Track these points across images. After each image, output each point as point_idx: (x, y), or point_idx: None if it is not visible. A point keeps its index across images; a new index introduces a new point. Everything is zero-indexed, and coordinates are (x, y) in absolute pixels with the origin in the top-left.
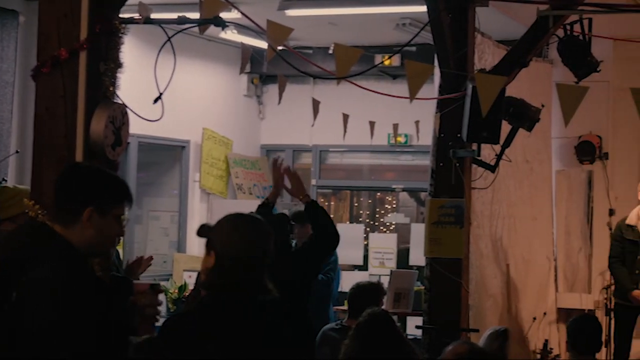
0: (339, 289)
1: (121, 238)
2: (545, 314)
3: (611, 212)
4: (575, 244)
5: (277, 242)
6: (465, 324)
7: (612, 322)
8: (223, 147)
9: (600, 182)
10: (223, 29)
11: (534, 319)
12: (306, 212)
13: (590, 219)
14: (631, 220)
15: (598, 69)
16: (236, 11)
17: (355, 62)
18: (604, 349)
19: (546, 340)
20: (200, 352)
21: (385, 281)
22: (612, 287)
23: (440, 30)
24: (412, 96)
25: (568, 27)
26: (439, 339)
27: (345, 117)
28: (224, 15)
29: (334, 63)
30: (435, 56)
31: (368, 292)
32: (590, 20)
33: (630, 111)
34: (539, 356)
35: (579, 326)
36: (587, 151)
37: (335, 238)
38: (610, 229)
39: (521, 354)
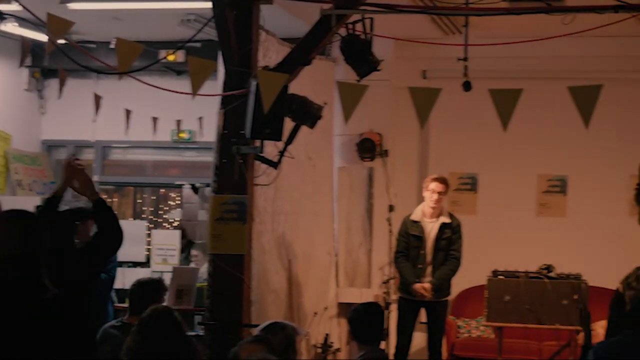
0: (122, 287)
1: None
2: (326, 308)
3: (391, 208)
4: (355, 240)
5: (60, 239)
6: (247, 319)
7: (392, 315)
8: (2, 143)
9: (380, 179)
10: (2, 21)
11: (315, 313)
12: (94, 210)
13: (370, 215)
14: (416, 216)
15: (379, 68)
16: (16, 3)
17: (137, 57)
18: (383, 343)
19: (327, 335)
20: None
21: (168, 278)
22: (394, 281)
23: (225, 26)
24: (195, 92)
25: (350, 26)
26: (221, 336)
27: (128, 113)
28: (3, 7)
29: (117, 58)
30: (220, 53)
31: (149, 289)
32: (371, 20)
33: (410, 110)
34: (319, 350)
35: (361, 315)
36: (368, 148)
37: (121, 237)
38: (390, 224)
39: (303, 348)
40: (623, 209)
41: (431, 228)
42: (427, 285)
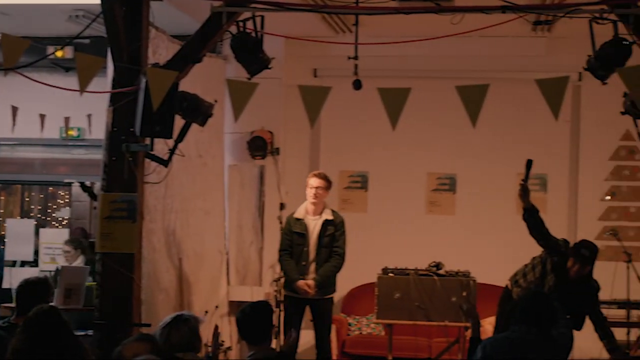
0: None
1: None
2: (217, 307)
3: (282, 206)
4: (247, 238)
5: None
6: (137, 318)
7: (283, 314)
8: None
9: (271, 177)
10: None
11: (206, 312)
12: None
13: (261, 213)
14: (299, 214)
15: (270, 66)
16: None
17: (23, 53)
18: (274, 341)
19: (218, 332)
20: None
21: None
22: (282, 280)
23: (114, 23)
24: (83, 89)
25: (241, 24)
26: (110, 335)
27: (15, 110)
28: None
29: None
30: (109, 49)
31: (36, 288)
32: (262, 17)
33: (301, 108)
34: (210, 349)
35: (249, 315)
36: (259, 146)
37: None
38: (281, 222)
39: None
40: (511, 206)
41: (314, 225)
42: (310, 282)
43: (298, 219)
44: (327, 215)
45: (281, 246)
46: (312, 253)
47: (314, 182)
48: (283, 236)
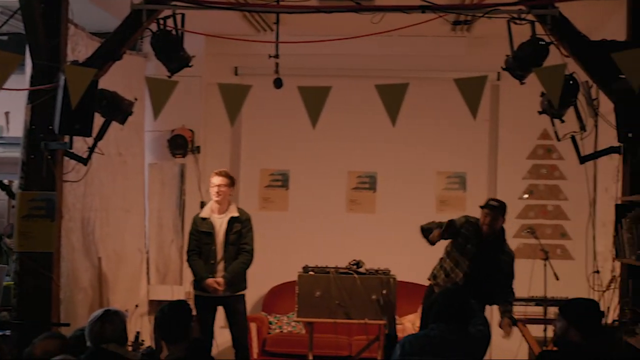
0: None
1: None
2: (137, 306)
3: (202, 205)
4: (167, 236)
5: None
6: (56, 318)
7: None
8: None
9: (192, 176)
10: None
11: (126, 311)
12: None
13: (182, 212)
14: (205, 213)
15: (190, 64)
16: None
17: None
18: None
19: (138, 332)
20: None
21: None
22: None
23: (32, 19)
24: (0, 86)
25: (161, 21)
26: (29, 335)
27: None
28: None
29: None
30: (27, 46)
31: None
32: (183, 15)
33: (221, 106)
34: (130, 348)
35: (166, 314)
36: (180, 145)
37: None
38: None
39: None
40: (430, 205)
41: (220, 223)
42: (219, 279)
43: (204, 218)
44: (233, 213)
45: (189, 247)
46: (220, 251)
47: (216, 180)
48: (190, 237)
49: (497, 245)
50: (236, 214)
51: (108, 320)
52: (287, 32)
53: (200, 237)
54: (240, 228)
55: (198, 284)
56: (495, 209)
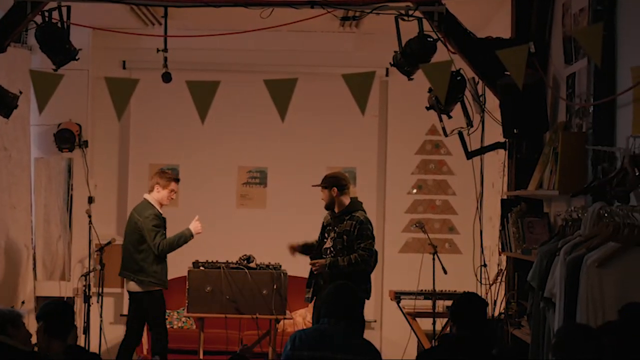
0: None
1: None
2: (23, 302)
3: (90, 200)
4: (54, 232)
5: None
6: None
7: (93, 308)
8: None
9: (80, 170)
10: None
11: (12, 307)
12: None
13: (70, 207)
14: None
15: (77, 57)
16: None
17: None
18: (83, 335)
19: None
20: None
21: None
22: (94, 274)
23: None
24: None
25: (47, 13)
26: None
27: None
28: None
29: None
30: None
31: None
32: (68, 7)
33: (108, 100)
34: None
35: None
36: (67, 139)
37: None
38: (90, 216)
39: None
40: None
41: None
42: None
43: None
44: None
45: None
46: None
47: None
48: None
49: (348, 216)
50: None
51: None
52: (176, 25)
53: None
54: None
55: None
56: (323, 181)
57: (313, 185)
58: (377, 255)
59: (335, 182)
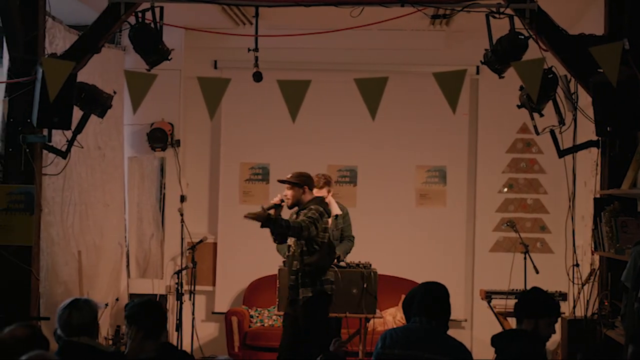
0: None
1: None
2: (117, 299)
3: (182, 199)
4: (147, 230)
5: None
6: (35, 312)
7: (185, 306)
8: None
9: (172, 169)
10: None
11: (106, 304)
12: None
13: (162, 205)
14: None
15: (169, 57)
16: None
17: None
18: (175, 333)
19: (118, 326)
20: None
21: None
22: (186, 272)
23: (9, 12)
24: None
25: (140, 14)
26: None
27: None
28: None
29: None
30: (4, 39)
31: None
32: (161, 8)
33: (200, 100)
34: (110, 342)
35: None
36: (159, 138)
37: None
38: (182, 215)
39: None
40: (411, 199)
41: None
42: None
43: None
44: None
45: None
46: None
47: None
48: None
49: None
50: (339, 212)
51: (76, 308)
52: (266, 25)
53: None
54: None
55: None
56: (296, 179)
57: (279, 180)
58: (334, 250)
59: (309, 182)
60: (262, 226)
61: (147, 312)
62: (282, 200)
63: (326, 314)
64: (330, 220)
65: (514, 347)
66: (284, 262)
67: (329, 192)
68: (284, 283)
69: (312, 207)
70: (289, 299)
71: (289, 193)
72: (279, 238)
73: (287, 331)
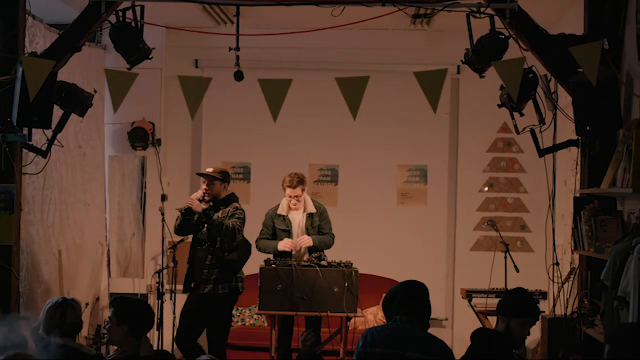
0: None
1: None
2: (98, 299)
3: (163, 198)
4: (128, 229)
5: None
6: (15, 311)
7: (167, 305)
8: None
9: (153, 168)
10: None
11: (87, 304)
12: None
13: (143, 205)
14: (282, 210)
15: (150, 56)
16: None
17: None
18: (156, 332)
19: (99, 326)
20: None
21: None
22: (167, 271)
23: None
24: None
25: (120, 13)
26: None
27: None
28: None
29: None
30: None
31: None
32: (142, 7)
33: (181, 99)
34: (91, 342)
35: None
36: (140, 137)
37: None
38: (163, 214)
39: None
40: (391, 198)
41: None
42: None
43: (281, 215)
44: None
45: (259, 236)
46: None
47: (290, 192)
48: (263, 229)
49: (225, 205)
50: (313, 210)
51: (70, 307)
52: (247, 24)
53: (276, 232)
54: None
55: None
56: (220, 174)
57: (197, 174)
58: (250, 248)
59: (229, 178)
60: (197, 221)
61: (140, 312)
62: (205, 194)
63: (232, 309)
64: (303, 217)
65: (482, 345)
66: (265, 260)
67: (303, 190)
68: (265, 283)
69: (237, 206)
70: (194, 288)
71: (213, 187)
72: (188, 232)
73: (189, 316)
